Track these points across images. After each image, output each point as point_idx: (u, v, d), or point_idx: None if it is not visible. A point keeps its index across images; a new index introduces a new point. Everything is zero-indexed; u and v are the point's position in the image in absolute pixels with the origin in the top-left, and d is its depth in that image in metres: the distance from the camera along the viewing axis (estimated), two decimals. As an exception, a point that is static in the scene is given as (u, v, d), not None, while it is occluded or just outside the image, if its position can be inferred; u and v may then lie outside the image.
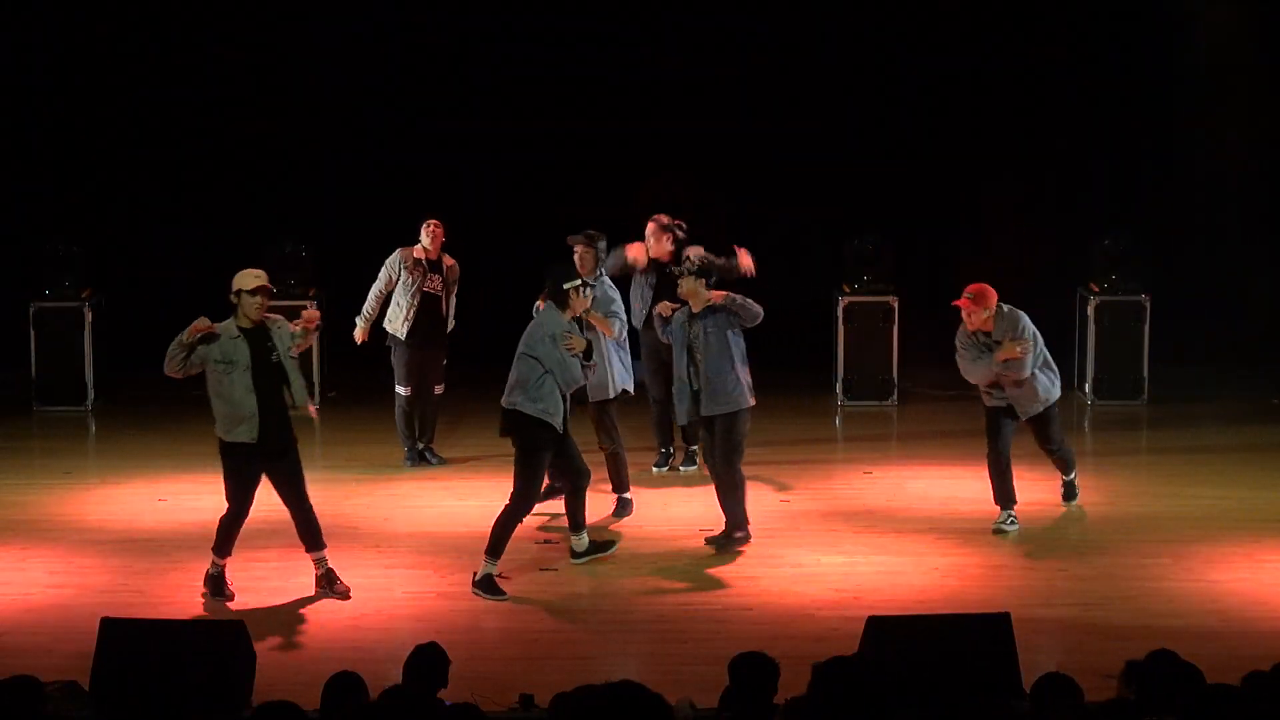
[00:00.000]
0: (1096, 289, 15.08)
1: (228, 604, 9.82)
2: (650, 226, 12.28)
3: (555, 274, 10.49)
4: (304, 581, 10.17)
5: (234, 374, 9.66)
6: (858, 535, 11.15)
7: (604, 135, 15.98)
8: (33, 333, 14.80)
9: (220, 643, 8.00)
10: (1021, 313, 10.83)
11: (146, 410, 14.60)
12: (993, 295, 10.79)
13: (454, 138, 15.94)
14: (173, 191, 16.18)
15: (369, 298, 12.90)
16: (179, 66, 15.88)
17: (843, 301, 15.04)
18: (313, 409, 10.30)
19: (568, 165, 15.90)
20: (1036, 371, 10.90)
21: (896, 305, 14.96)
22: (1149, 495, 12.14)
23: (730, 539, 10.80)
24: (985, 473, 12.57)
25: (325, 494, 12.01)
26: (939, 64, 16.02)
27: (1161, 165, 16.19)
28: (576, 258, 11.35)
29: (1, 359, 15.43)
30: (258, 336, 9.73)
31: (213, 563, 9.96)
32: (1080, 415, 14.88)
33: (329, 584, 10.00)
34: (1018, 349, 10.71)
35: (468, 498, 11.95)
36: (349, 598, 9.90)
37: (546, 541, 10.96)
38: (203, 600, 9.86)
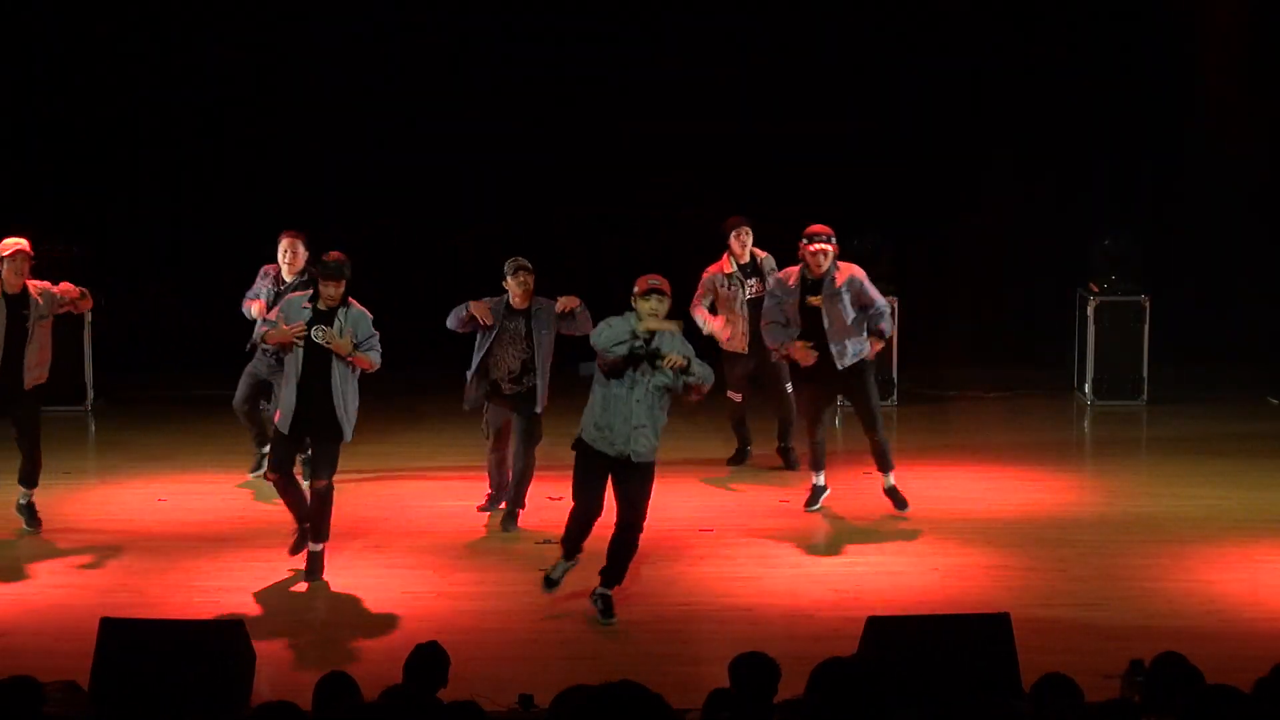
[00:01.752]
0: (1096, 289, 15.07)
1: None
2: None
3: None
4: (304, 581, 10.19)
5: None
6: (858, 535, 11.16)
7: (604, 135, 15.98)
8: (33, 333, 14.81)
9: (220, 643, 7.99)
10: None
11: (146, 410, 14.59)
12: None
13: (454, 138, 15.94)
14: (173, 191, 16.18)
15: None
16: (179, 66, 15.88)
17: (843, 301, 15.03)
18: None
19: (568, 165, 15.89)
20: None
21: (898, 305, 14.96)
22: (1148, 495, 12.14)
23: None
24: (985, 472, 12.58)
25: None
26: (939, 64, 16.01)
27: (1162, 165, 16.19)
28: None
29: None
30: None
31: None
32: (1080, 415, 14.89)
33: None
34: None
35: (467, 498, 11.94)
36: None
37: (546, 542, 10.95)
38: (199, 600, 9.90)
